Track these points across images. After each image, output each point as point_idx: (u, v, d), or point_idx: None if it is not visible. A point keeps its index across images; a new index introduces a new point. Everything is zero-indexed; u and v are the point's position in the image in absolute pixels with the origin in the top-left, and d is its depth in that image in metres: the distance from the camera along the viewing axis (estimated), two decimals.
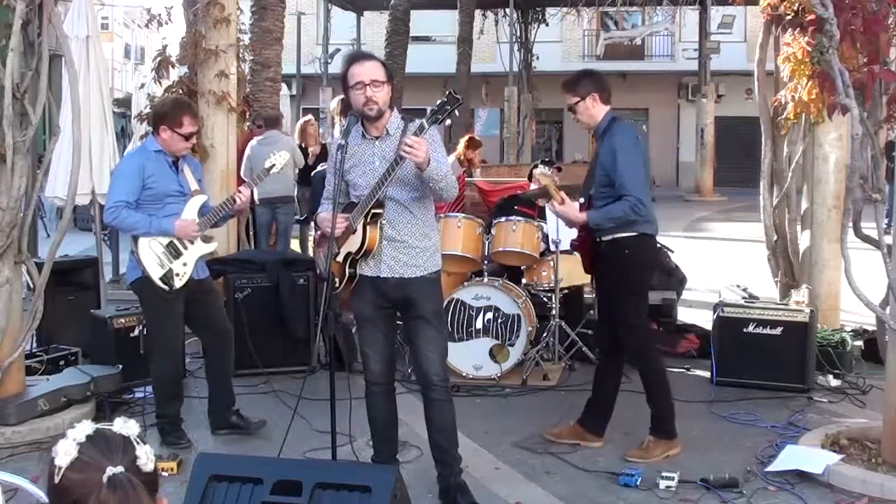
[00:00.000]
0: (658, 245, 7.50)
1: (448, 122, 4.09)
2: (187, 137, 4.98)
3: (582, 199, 4.94)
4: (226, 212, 5.05)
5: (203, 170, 6.29)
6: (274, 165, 5.09)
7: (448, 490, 4.29)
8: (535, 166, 7.73)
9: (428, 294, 4.24)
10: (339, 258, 4.23)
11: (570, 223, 4.94)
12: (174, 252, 4.95)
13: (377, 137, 4.17)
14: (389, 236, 4.16)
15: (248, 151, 9.31)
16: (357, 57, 4.17)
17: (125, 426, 1.69)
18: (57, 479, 1.61)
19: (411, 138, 3.89)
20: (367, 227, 4.12)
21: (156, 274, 4.93)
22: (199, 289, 5.13)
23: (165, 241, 4.94)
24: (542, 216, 6.84)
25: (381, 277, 4.19)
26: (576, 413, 5.21)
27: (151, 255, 4.92)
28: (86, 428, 1.66)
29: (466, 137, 9.92)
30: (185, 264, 4.98)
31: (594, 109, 4.85)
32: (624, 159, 4.68)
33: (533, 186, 7.38)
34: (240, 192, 5.05)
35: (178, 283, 4.96)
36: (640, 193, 4.65)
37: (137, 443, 1.68)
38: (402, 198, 4.15)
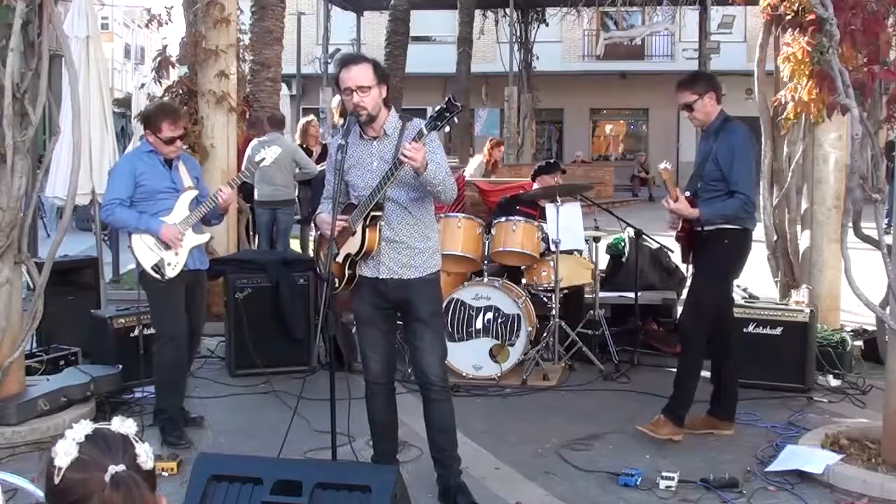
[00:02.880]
0: (659, 245, 7.55)
1: (447, 128, 4.08)
2: (168, 142, 5.13)
3: (688, 193, 5.11)
4: (210, 209, 5.17)
5: (203, 169, 6.31)
6: (264, 159, 5.23)
7: (448, 490, 4.29)
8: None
9: (426, 295, 4.24)
10: (339, 259, 4.24)
11: (683, 218, 5.05)
12: (165, 243, 5.08)
13: (375, 138, 4.17)
14: (388, 237, 4.16)
15: (248, 152, 9.27)
16: (345, 61, 4.14)
17: (123, 425, 1.69)
18: (57, 480, 1.60)
19: (410, 144, 3.88)
20: (367, 230, 4.13)
21: (147, 263, 5.08)
22: (193, 279, 5.26)
23: None
24: (543, 216, 6.84)
25: (380, 278, 4.19)
26: (574, 414, 5.21)
27: (143, 246, 5.09)
28: (84, 427, 1.65)
29: (492, 140, 9.71)
30: (176, 254, 5.12)
31: (711, 108, 5.07)
32: (741, 159, 4.93)
33: (535, 186, 7.38)
34: (220, 190, 5.19)
35: (171, 272, 5.09)
36: (751, 192, 4.96)
37: (136, 441, 1.68)
38: (402, 199, 4.15)
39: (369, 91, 4.05)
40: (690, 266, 5.42)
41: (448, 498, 4.28)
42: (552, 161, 8.11)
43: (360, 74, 4.05)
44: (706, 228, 5.01)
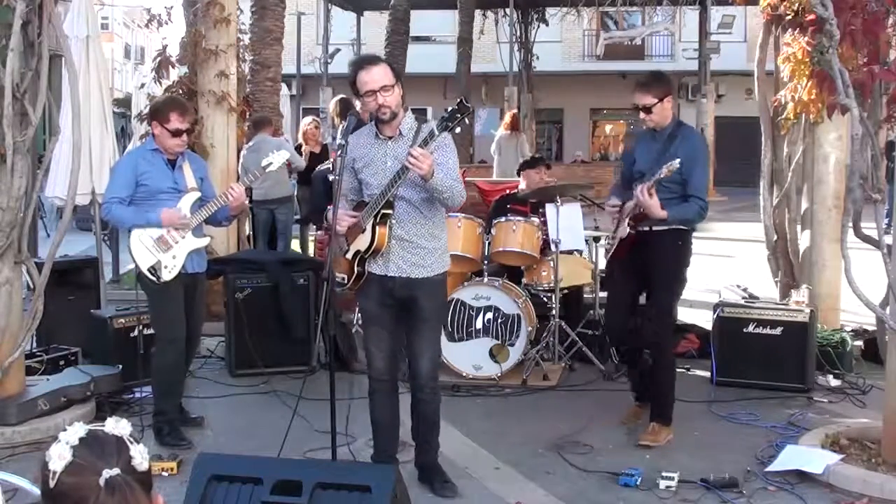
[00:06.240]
0: None
1: (458, 129, 4.10)
2: (174, 133, 5.07)
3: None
4: (219, 207, 5.12)
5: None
6: (271, 164, 5.16)
7: (423, 468, 4.38)
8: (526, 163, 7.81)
9: (432, 295, 4.30)
10: (349, 255, 4.28)
11: (650, 215, 4.94)
12: (164, 245, 5.05)
13: (390, 138, 4.23)
14: (398, 236, 4.20)
15: (241, 160, 9.15)
16: (362, 63, 4.19)
17: (117, 426, 1.67)
18: (52, 484, 1.59)
19: (416, 150, 3.93)
20: (377, 227, 4.17)
21: (144, 265, 5.04)
22: (191, 282, 5.22)
23: (156, 234, 5.04)
24: (536, 213, 6.87)
25: (388, 276, 4.24)
26: (574, 414, 5.21)
27: (141, 247, 5.05)
28: (78, 430, 1.63)
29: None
30: (174, 257, 5.07)
31: (668, 111, 5.08)
32: (701, 165, 4.97)
33: (521, 185, 7.43)
34: (231, 188, 5.14)
35: (167, 275, 5.05)
36: (706, 198, 5.00)
37: (131, 442, 1.66)
38: (413, 198, 4.20)
39: (392, 89, 4.13)
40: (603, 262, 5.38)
41: (423, 476, 4.36)
42: (537, 156, 8.20)
43: (381, 75, 4.13)
44: (655, 228, 4.96)
